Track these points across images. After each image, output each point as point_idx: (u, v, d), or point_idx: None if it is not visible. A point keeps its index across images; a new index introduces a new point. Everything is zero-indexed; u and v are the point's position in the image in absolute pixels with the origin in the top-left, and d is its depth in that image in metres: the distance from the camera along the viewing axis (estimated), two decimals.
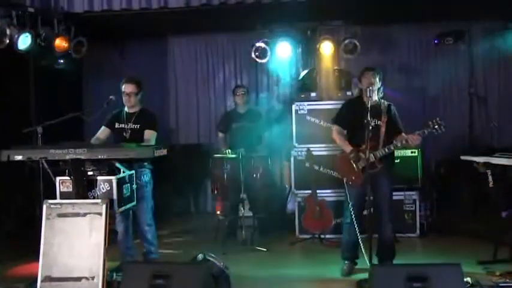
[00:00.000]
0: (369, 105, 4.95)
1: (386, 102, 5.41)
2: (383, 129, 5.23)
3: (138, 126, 5.37)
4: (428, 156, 7.90)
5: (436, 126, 5.09)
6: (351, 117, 5.42)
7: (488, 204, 6.58)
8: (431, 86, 8.81)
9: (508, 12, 7.54)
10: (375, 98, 5.24)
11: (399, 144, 5.20)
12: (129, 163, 4.73)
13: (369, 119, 4.89)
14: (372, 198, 4.93)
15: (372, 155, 5.11)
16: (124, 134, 5.38)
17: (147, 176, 5.31)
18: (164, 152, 4.78)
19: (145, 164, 5.27)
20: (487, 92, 8.69)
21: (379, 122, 5.24)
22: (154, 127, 5.38)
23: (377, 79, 5.29)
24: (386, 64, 8.76)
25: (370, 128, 4.93)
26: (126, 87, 5.41)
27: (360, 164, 5.22)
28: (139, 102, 5.51)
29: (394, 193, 6.38)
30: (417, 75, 8.84)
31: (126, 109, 5.48)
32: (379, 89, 5.35)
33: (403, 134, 5.28)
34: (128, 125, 5.39)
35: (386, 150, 5.20)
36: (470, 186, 7.81)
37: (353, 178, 5.31)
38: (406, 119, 7.87)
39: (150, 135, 5.32)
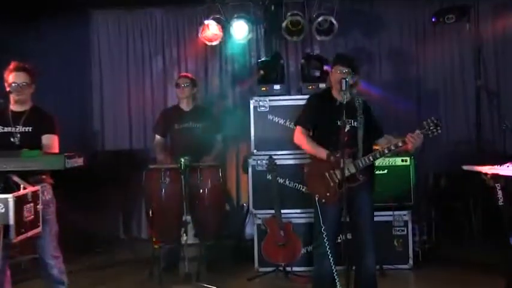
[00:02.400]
0: (344, 101, 4.94)
1: (360, 98, 5.44)
2: (361, 132, 5.24)
3: (31, 128, 5.19)
4: (425, 165, 7.96)
5: (432, 127, 5.07)
6: (319, 117, 5.42)
7: (500, 227, 6.62)
8: (429, 78, 8.91)
9: None
10: (348, 93, 5.19)
11: (386, 151, 5.18)
12: (22, 177, 4.57)
13: (345, 119, 4.90)
14: (348, 219, 4.95)
15: (352, 164, 5.14)
16: (12, 139, 5.17)
17: (48, 193, 5.15)
18: (80, 161, 4.64)
19: (44, 177, 5.11)
20: (499, 84, 8.80)
21: (355, 123, 5.25)
22: (53, 130, 5.23)
23: (350, 76, 5.26)
24: (371, 49, 8.92)
25: (346, 130, 4.96)
26: (16, 77, 5.22)
27: (337, 175, 5.20)
28: (30, 98, 5.33)
29: (380, 213, 6.56)
30: (411, 64, 8.96)
31: (11, 107, 5.29)
32: (355, 82, 5.38)
33: (386, 136, 5.39)
34: (16, 127, 5.20)
35: (371, 158, 5.20)
36: (478, 204, 7.91)
37: (327, 195, 5.26)
38: (396, 120, 8.01)
39: (50, 140, 5.16)
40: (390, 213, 6.86)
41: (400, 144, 5.14)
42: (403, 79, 8.84)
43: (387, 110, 8.29)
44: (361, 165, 5.18)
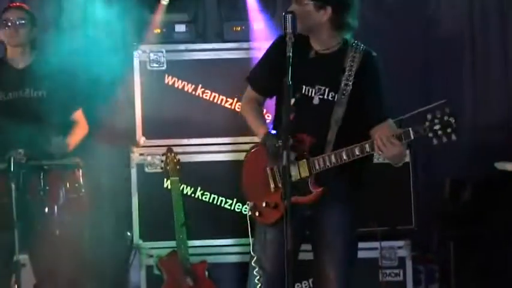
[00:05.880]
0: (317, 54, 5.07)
1: (362, 46, 5.25)
2: (340, 111, 5.07)
3: None
4: (437, 166, 8.24)
5: (437, 126, 4.66)
6: (281, 77, 5.07)
7: None
8: (445, 21, 8.78)
9: None
10: (324, 35, 5.14)
11: (345, 157, 5.02)
12: None
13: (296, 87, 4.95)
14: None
15: (305, 164, 5.06)
16: None
17: None
18: None
19: None
20: None
21: (331, 93, 5.14)
22: None
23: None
24: None
25: (315, 103, 5.08)
26: None
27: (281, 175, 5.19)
28: None
29: (359, 245, 6.23)
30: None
31: None
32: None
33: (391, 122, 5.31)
34: None
35: (333, 160, 5.06)
36: None
37: (263, 206, 5.26)
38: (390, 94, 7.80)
39: None
40: (376, 244, 6.69)
41: (367, 148, 4.99)
42: (401, 24, 8.73)
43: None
44: (317, 167, 5.07)
